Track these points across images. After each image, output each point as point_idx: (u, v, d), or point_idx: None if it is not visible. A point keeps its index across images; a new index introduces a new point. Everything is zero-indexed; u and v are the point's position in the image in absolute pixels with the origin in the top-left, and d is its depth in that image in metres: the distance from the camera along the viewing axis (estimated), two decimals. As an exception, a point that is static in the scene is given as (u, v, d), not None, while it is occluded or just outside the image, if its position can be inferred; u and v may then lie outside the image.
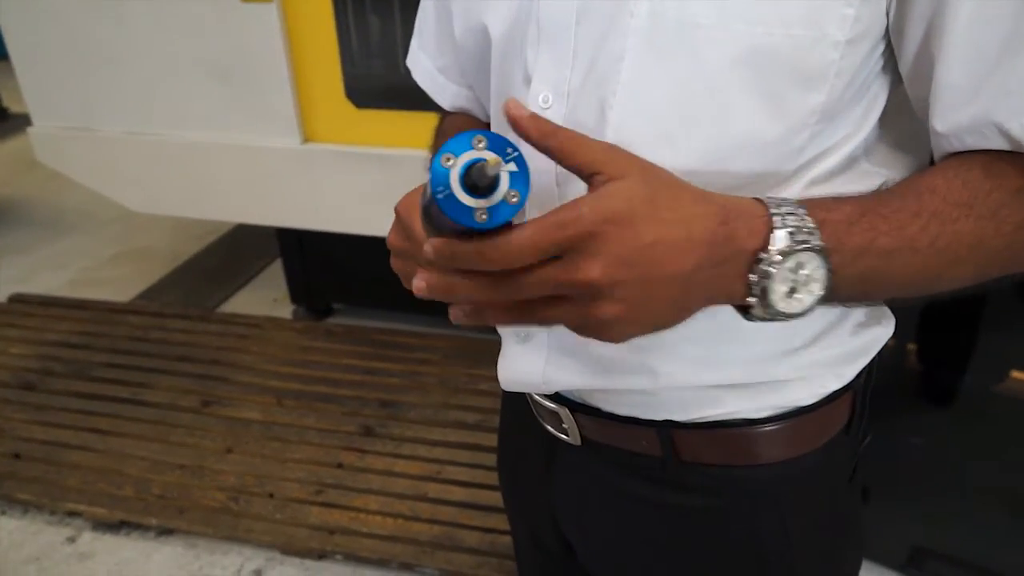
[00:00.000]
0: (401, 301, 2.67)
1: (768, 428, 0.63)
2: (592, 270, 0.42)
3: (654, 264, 0.43)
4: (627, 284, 0.43)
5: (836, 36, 0.50)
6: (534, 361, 0.66)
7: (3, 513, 2.01)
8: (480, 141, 0.41)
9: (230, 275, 3.16)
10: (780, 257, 0.45)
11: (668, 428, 0.64)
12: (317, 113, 2.11)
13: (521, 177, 0.41)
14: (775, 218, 0.46)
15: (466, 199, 0.40)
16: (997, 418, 1.62)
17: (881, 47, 0.54)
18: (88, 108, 2.26)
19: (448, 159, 0.40)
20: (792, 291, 0.46)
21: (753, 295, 0.47)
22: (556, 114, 0.57)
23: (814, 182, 0.56)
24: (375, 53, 1.99)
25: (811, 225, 0.46)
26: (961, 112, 0.51)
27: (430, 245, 0.42)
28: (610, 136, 0.55)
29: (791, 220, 0.46)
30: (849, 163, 0.58)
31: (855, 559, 0.76)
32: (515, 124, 0.44)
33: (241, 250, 3.35)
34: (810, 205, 0.48)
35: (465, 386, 2.34)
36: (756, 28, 0.50)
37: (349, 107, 2.05)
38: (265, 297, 3.00)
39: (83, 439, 2.18)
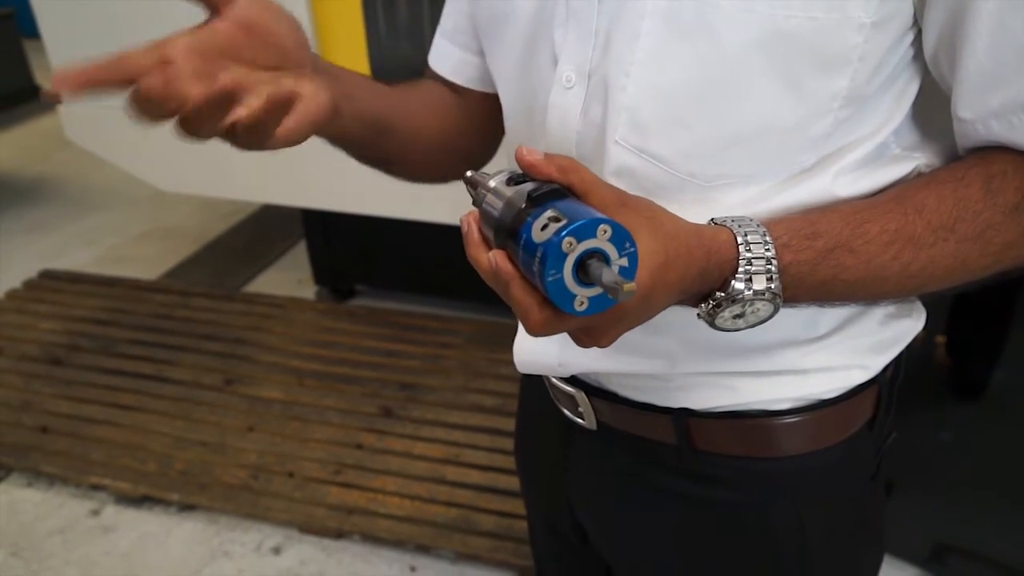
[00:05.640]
0: (424, 284, 2.69)
1: (787, 420, 0.62)
2: (606, 339, 0.47)
3: (649, 316, 0.48)
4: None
5: (860, 18, 0.48)
6: (550, 343, 0.65)
7: (29, 485, 2.05)
8: (605, 232, 0.41)
9: (255, 255, 3.19)
10: (731, 300, 0.50)
11: (684, 416, 0.63)
12: (343, 94, 2.10)
13: (630, 272, 0.42)
14: (740, 265, 0.49)
15: (574, 287, 0.41)
16: (1027, 415, 1.59)
17: (912, 34, 0.52)
18: (118, 86, 2.27)
19: (571, 243, 0.41)
20: (739, 316, 0.51)
21: (700, 315, 0.52)
22: (577, 94, 0.56)
23: (843, 172, 0.55)
24: (402, 36, 1.98)
25: (773, 269, 0.49)
26: (989, 97, 0.50)
27: (495, 266, 0.44)
28: (624, 118, 0.54)
29: (756, 265, 0.49)
30: (881, 150, 0.56)
31: (875, 558, 0.75)
32: (532, 170, 0.46)
33: (267, 231, 3.37)
34: (781, 245, 0.50)
35: (486, 370, 2.34)
36: (776, 10, 0.48)
37: (375, 89, 2.04)
38: (289, 278, 3.02)
39: (108, 414, 2.21)
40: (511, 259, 0.44)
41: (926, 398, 1.68)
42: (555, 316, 0.43)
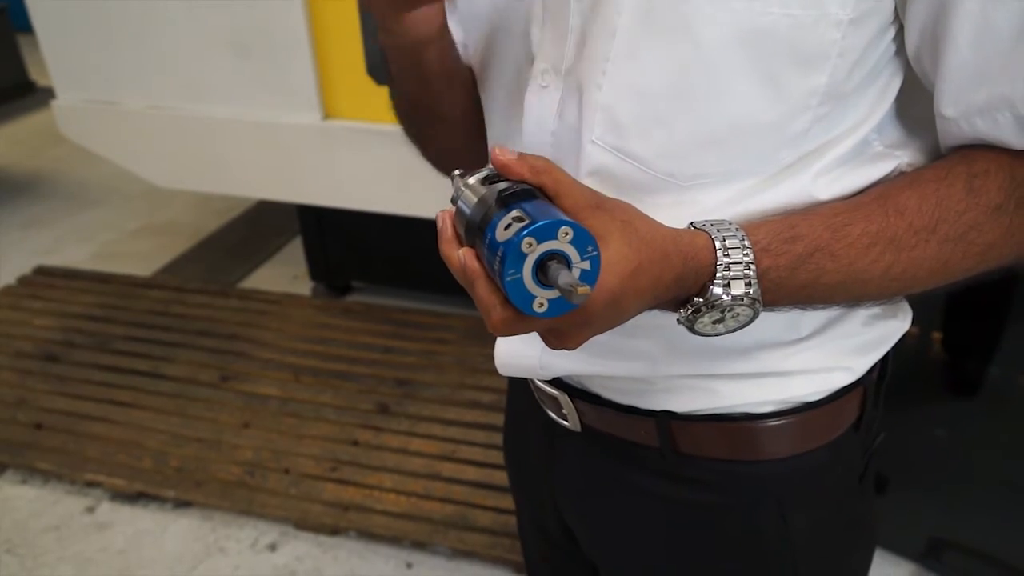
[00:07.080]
0: (419, 280, 2.69)
1: (771, 423, 0.61)
2: (573, 341, 0.47)
3: (620, 321, 0.48)
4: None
5: (838, 15, 0.48)
6: (531, 346, 0.65)
7: (24, 482, 2.05)
8: (567, 234, 0.41)
9: (251, 251, 3.18)
10: (711, 306, 0.49)
11: (666, 419, 0.63)
12: (338, 90, 2.09)
13: (591, 276, 0.42)
14: (718, 270, 0.48)
15: (533, 288, 0.41)
16: (1022, 410, 1.59)
17: (893, 30, 0.51)
18: (111, 81, 2.26)
19: (530, 244, 0.40)
20: (719, 321, 0.50)
21: (680, 320, 0.51)
22: (553, 94, 0.56)
23: (823, 170, 0.54)
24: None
25: (752, 273, 0.49)
26: (973, 94, 0.49)
27: (463, 264, 0.44)
28: (600, 117, 0.53)
29: (735, 271, 0.48)
30: (862, 147, 0.55)
31: (864, 557, 0.74)
32: (505, 170, 0.46)
33: (262, 226, 3.36)
34: (760, 249, 0.49)
35: (481, 366, 2.34)
36: (753, 6, 0.47)
37: (370, 84, 2.03)
38: (285, 274, 3.01)
39: (104, 411, 2.21)
40: (479, 258, 0.44)
41: (922, 394, 1.68)
42: (516, 317, 0.43)
